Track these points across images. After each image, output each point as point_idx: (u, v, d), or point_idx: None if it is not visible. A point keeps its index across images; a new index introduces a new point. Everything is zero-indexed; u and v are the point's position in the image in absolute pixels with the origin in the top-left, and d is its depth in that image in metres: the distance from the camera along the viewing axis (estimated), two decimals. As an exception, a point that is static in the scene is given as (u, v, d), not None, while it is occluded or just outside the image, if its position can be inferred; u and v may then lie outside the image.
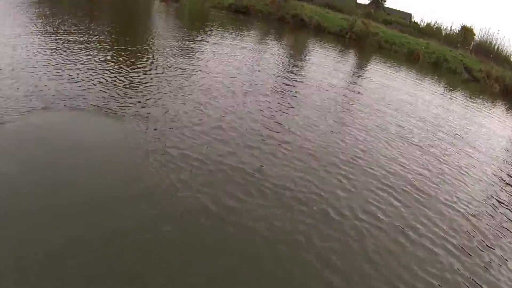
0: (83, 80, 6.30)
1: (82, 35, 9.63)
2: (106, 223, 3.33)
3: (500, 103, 19.19)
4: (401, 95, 11.84)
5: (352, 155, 6.02)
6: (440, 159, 6.96)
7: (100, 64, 7.37)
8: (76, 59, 7.42)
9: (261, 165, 4.92)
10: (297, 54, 15.95)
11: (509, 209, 5.79)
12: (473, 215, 5.17)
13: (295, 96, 8.44)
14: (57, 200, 3.50)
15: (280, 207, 4.17)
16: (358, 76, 13.66)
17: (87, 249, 3.00)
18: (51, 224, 3.20)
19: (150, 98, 6.20)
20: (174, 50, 10.17)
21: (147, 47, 10.02)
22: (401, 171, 5.88)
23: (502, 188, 6.63)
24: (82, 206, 3.48)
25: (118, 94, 6.03)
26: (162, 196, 3.83)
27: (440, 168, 6.49)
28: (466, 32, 34.57)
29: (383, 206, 4.70)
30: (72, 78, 6.30)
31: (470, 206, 5.41)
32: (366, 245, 3.88)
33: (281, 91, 8.54)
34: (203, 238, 3.46)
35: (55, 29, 9.98)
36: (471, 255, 4.22)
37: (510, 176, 7.42)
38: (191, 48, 11.21)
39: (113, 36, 10.54)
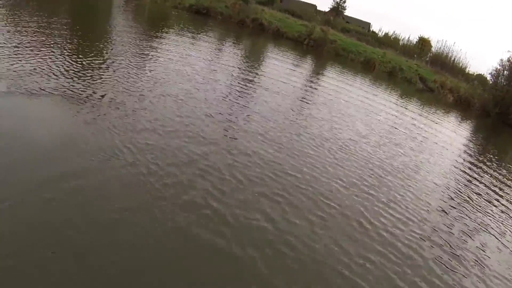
0: (42, 70, 6.21)
1: (41, 28, 9.06)
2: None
3: (453, 113, 19.45)
4: (354, 101, 11.32)
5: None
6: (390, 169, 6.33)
7: (58, 55, 7.23)
8: (34, 51, 7.13)
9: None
10: (254, 58, 15.43)
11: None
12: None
13: (246, 100, 8.26)
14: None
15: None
16: (312, 82, 13.06)
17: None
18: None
19: (102, 88, 6.17)
20: (131, 47, 9.80)
21: (103, 43, 9.65)
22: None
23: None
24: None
25: (74, 82, 6.03)
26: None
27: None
28: (423, 43, 35.25)
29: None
30: (32, 68, 6.17)
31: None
32: None
33: (234, 93, 8.41)
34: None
35: (15, 21, 9.21)
36: None
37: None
38: (147, 46, 10.73)
39: (72, 31, 10.18)
